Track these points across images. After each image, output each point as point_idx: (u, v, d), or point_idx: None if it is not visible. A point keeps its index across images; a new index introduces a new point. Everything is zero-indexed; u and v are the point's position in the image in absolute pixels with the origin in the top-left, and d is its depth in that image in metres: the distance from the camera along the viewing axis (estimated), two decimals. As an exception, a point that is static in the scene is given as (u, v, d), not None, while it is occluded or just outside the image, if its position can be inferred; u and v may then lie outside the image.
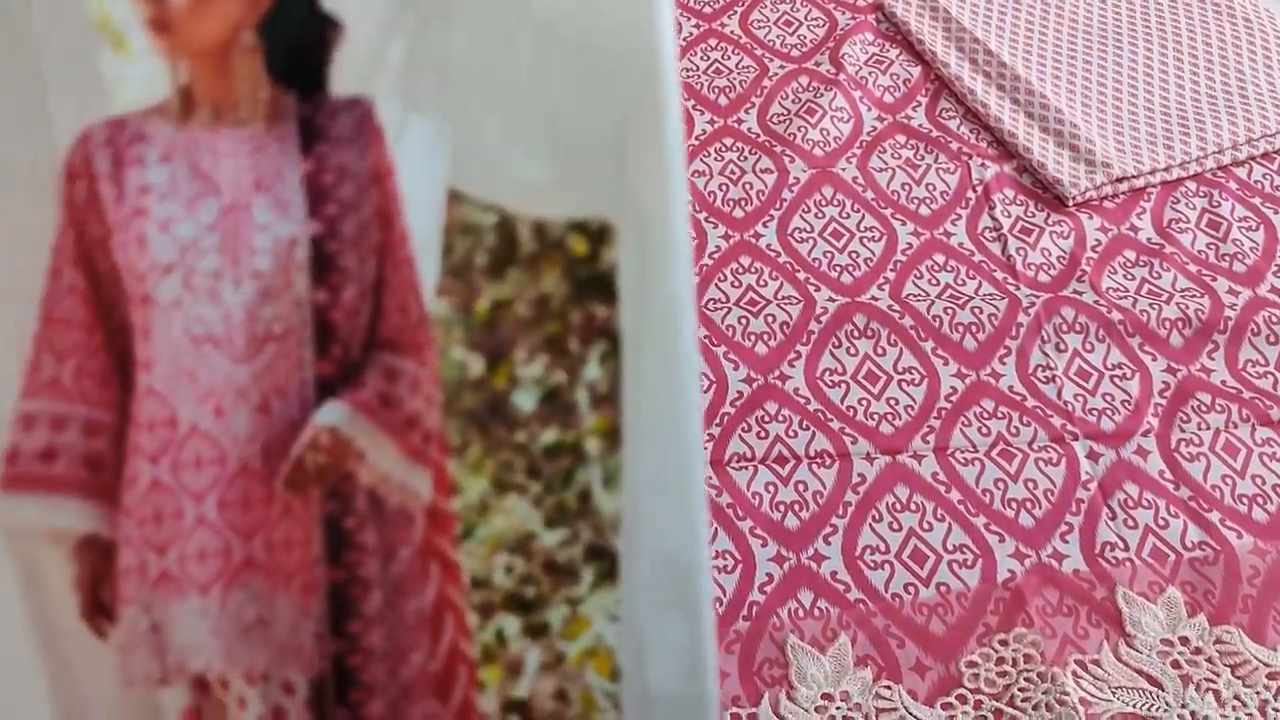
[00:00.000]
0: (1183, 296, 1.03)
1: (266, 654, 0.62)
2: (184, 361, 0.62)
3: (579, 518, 0.67)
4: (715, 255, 1.10)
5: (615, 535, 0.64)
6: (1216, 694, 0.79)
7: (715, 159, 1.19)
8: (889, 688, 0.81)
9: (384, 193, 0.65)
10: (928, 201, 1.13)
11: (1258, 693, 0.79)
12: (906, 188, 1.15)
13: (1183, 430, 0.94)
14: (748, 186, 1.16)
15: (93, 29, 0.65)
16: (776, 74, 1.28)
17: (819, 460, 0.94)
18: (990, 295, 1.04)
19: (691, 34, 1.34)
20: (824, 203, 1.14)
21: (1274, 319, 1.00)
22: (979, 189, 1.14)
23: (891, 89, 1.26)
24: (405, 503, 0.64)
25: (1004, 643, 0.83)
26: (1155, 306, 1.02)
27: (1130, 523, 0.89)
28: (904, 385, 0.98)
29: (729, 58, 1.31)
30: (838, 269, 1.08)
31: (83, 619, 0.66)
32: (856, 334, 1.02)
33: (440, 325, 0.64)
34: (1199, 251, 1.07)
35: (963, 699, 0.80)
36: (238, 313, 0.62)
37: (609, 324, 0.68)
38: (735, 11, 1.37)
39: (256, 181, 0.65)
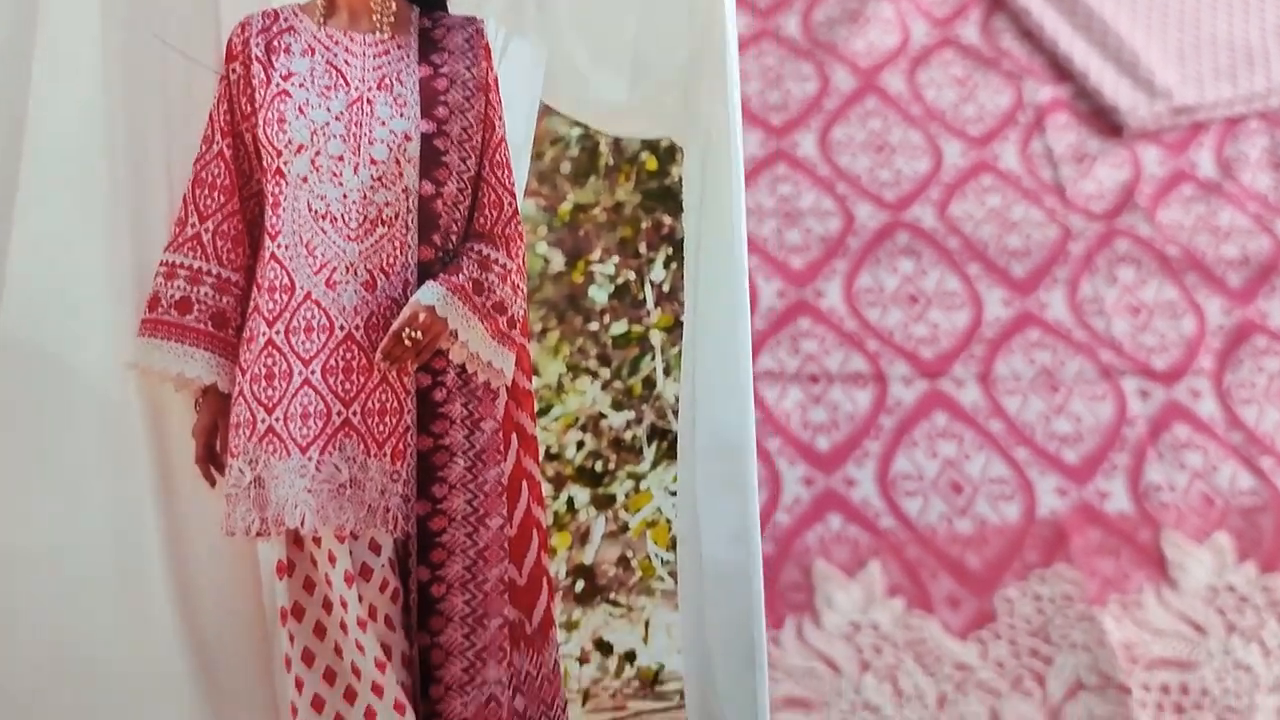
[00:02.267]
0: (1241, 235, 0.98)
1: (356, 513, 0.66)
2: (304, 233, 0.69)
3: (643, 401, 0.76)
4: (750, 163, 1.04)
5: (675, 418, 0.71)
6: (1261, 643, 0.76)
7: (753, 62, 1.13)
8: (921, 619, 0.77)
9: (488, 101, 0.73)
10: (976, 121, 1.07)
11: (1305, 646, 0.76)
12: (955, 106, 1.09)
13: (1236, 373, 0.89)
14: (787, 93, 1.09)
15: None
16: (822, -22, 1.21)
17: (853, 381, 0.89)
18: (1039, 222, 0.99)
19: (733, -68, 1.27)
20: (867, 115, 1.08)
21: (1336, 264, 0.95)
22: (1031, 112, 1.08)
23: (942, 2, 1.19)
24: (491, 380, 0.71)
25: (1043, 580, 0.79)
26: (1212, 244, 0.97)
27: (1179, 465, 0.84)
28: (946, 309, 0.93)
29: (772, -41, 1.24)
30: (879, 184, 1.02)
31: (197, 465, 0.71)
32: (898, 253, 0.97)
33: (528, 223, 0.74)
34: (1260, 191, 1.02)
35: (997, 634, 0.76)
36: (354, 194, 0.69)
37: (674, 231, 0.78)
38: (780, -88, 1.29)
39: (380, 81, 0.72)
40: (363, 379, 0.67)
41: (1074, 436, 0.86)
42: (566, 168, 0.79)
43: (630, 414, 0.74)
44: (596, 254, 0.74)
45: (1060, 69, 1.12)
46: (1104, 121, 1.07)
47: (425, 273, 0.69)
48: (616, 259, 0.76)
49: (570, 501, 0.71)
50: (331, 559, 0.67)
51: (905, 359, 0.90)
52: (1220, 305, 0.94)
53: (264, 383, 0.68)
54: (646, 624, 0.73)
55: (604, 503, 0.73)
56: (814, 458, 0.85)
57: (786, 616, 0.77)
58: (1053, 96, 1.10)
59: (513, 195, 0.74)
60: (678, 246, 0.72)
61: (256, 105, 0.71)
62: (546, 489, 0.68)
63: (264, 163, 0.71)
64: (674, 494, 0.71)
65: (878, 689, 0.74)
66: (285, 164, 0.69)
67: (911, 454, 0.85)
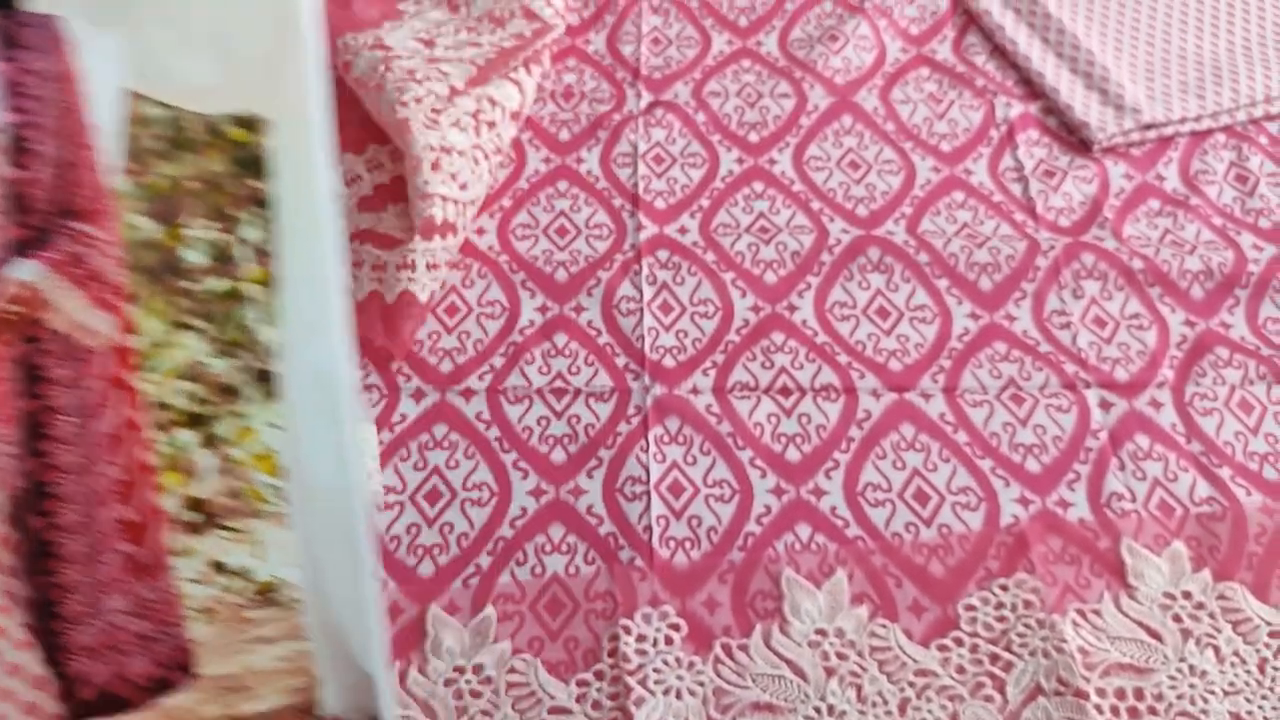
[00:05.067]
0: (1206, 249, 1.00)
1: (-33, 473, 0.73)
2: (-99, 218, 0.75)
3: (244, 348, 0.83)
4: (728, 179, 1.06)
5: (276, 361, 0.78)
6: (1216, 649, 0.78)
7: (733, 81, 1.15)
8: (884, 626, 0.79)
9: (72, 91, 0.76)
10: (949, 137, 1.10)
11: (1258, 650, 0.78)
12: (928, 122, 1.11)
13: (1198, 384, 0.92)
14: (764, 111, 1.12)
15: None
16: (800, -3, 1.24)
17: (824, 394, 0.91)
18: (1009, 236, 1.01)
19: (714, -49, 1.30)
20: (842, 132, 1.10)
21: (1298, 277, 0.97)
22: (1003, 128, 1.10)
23: (918, 20, 1.21)
24: (93, 342, 0.75)
25: (1004, 588, 0.81)
26: (1177, 257, 0.99)
27: (1139, 474, 0.87)
28: (915, 323, 0.96)
29: (752, -22, 1.26)
30: (853, 200, 1.04)
31: None
32: (869, 267, 0.99)
33: (121, 197, 0.80)
34: (1225, 205, 1.04)
35: (959, 641, 0.78)
36: None
37: (263, 194, 0.82)
38: (761, -69, 1.32)
39: None
40: None
41: (1038, 447, 0.88)
42: (156, 145, 0.87)
43: (232, 361, 0.83)
44: (189, 219, 0.83)
45: (1032, 85, 1.14)
46: (1074, 137, 1.10)
47: (21, 252, 0.72)
48: (211, 223, 0.87)
49: (178, 443, 0.81)
50: None
51: (875, 372, 0.92)
52: (1183, 318, 0.96)
53: None
54: (259, 544, 0.79)
55: (211, 441, 0.82)
56: (784, 468, 0.87)
57: (756, 624, 0.79)
58: (1024, 113, 1.12)
59: (104, 174, 0.77)
60: (268, 207, 0.80)
61: None
62: (157, 434, 0.78)
63: None
64: (279, 428, 0.79)
65: (841, 695, 0.76)
66: None
67: (880, 464, 0.87)
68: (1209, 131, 1.10)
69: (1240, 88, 1.11)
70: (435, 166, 0.95)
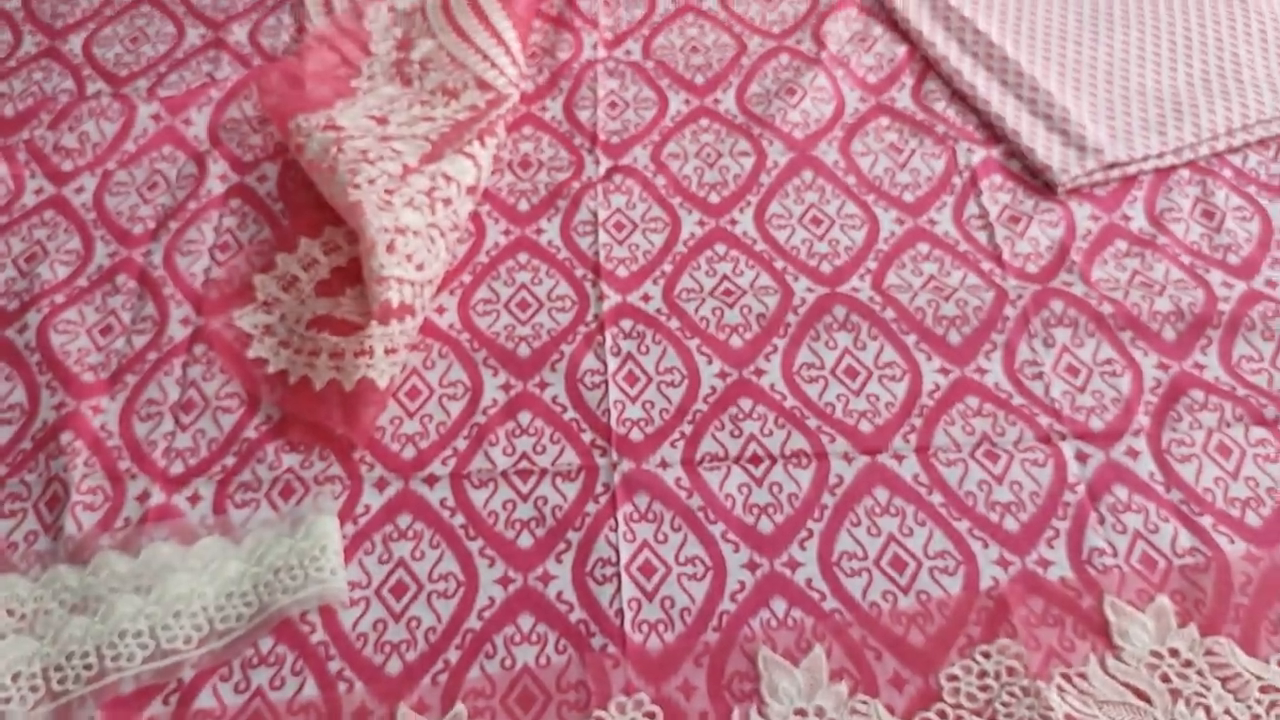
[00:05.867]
0: (1175, 289, 0.99)
1: None
2: None
3: None
4: (690, 242, 1.05)
5: None
6: (1207, 709, 0.75)
7: (691, 141, 1.14)
8: (865, 702, 0.77)
9: None
10: (912, 187, 1.09)
11: (1249, 707, 0.75)
12: (890, 173, 1.10)
13: (1174, 430, 0.90)
14: (724, 170, 1.11)
15: None
16: (756, 52, 1.23)
17: (795, 460, 0.89)
18: (976, 286, 1.00)
19: (669, 9, 1.29)
20: (803, 187, 1.09)
21: (1269, 313, 0.96)
22: (965, 174, 1.09)
23: (875, 69, 1.21)
24: None
25: (986, 655, 0.79)
26: (1147, 299, 0.98)
27: (1119, 527, 0.85)
28: (885, 381, 0.94)
29: (706, 35, 1.26)
30: (817, 257, 1.03)
31: None
32: (836, 326, 0.98)
33: None
34: (1192, 242, 1.03)
35: (943, 714, 0.76)
36: None
37: None
38: (714, -14, 1.31)
39: None
40: None
41: (1015, 504, 0.86)
42: None
43: None
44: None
45: (993, 130, 1.13)
46: (1037, 181, 1.08)
47: None
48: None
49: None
50: None
51: (845, 435, 0.91)
52: (1156, 360, 0.94)
53: None
54: None
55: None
56: (757, 541, 0.85)
57: (734, 707, 0.77)
58: (986, 158, 1.11)
59: None
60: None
61: None
62: None
63: None
64: None
65: (823, 778, 0.74)
66: None
67: (855, 531, 0.86)
68: (1173, 168, 1.09)
69: (1201, 121, 1.11)
70: (390, 249, 0.93)
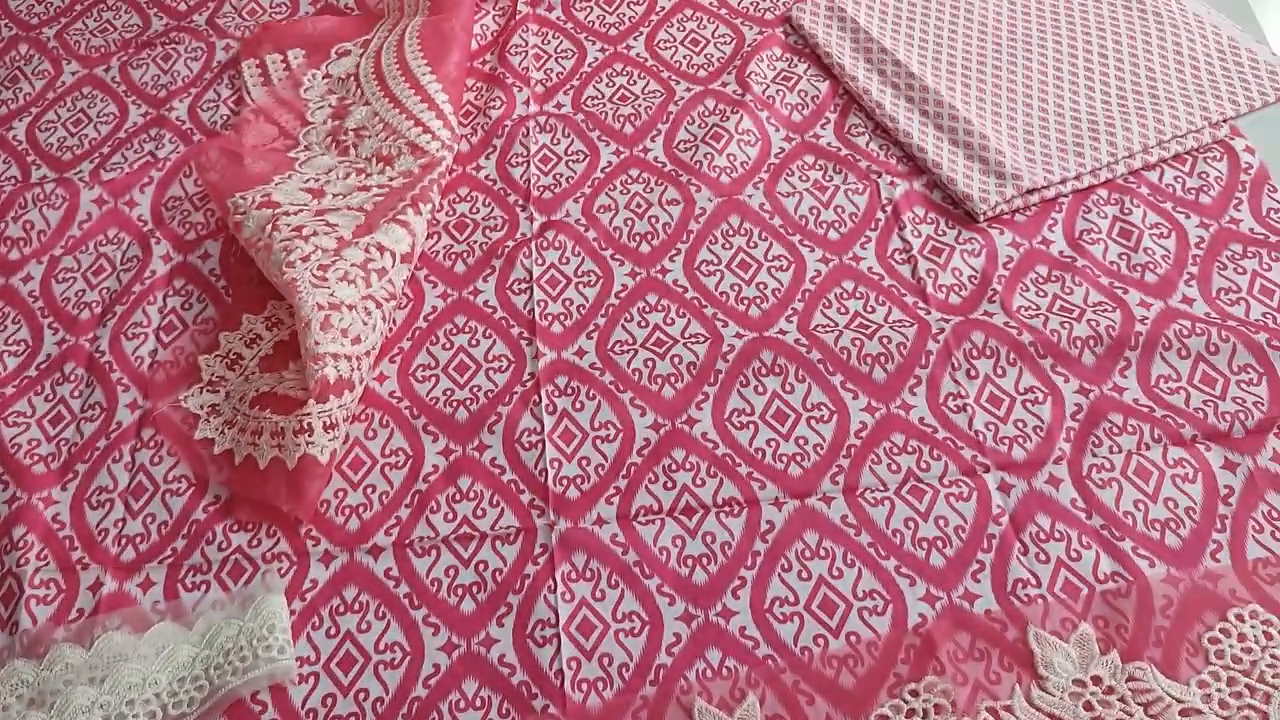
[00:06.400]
0: (1094, 312, 1.01)
1: None
2: None
3: None
4: (621, 294, 1.08)
5: None
6: (1130, 735, 0.78)
7: (621, 192, 1.17)
8: (798, 749, 0.79)
9: None
10: (836, 225, 1.11)
11: (1171, 731, 0.78)
12: (815, 211, 1.12)
13: (1095, 455, 0.92)
14: (654, 220, 1.13)
15: None
16: (683, 97, 1.26)
17: (727, 509, 0.92)
18: (899, 322, 1.02)
19: (597, 59, 1.32)
20: (731, 232, 1.11)
21: (1184, 331, 0.98)
22: (888, 209, 1.12)
23: (800, 106, 1.23)
24: None
25: (915, 693, 0.81)
26: (1066, 325, 1.00)
27: (1042, 557, 0.87)
28: (813, 423, 0.96)
29: (635, 83, 1.28)
30: (745, 302, 1.05)
31: None
32: (764, 371, 1.00)
33: None
34: (1110, 263, 1.05)
35: (873, 756, 0.79)
36: None
37: None
38: (641, 32, 1.34)
39: None
40: None
41: (941, 539, 0.89)
42: None
43: None
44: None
45: (915, 161, 1.16)
46: (959, 210, 1.11)
47: None
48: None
49: None
50: None
51: (774, 480, 0.93)
52: (1076, 386, 0.96)
53: None
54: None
55: None
56: (692, 593, 0.88)
57: (671, 760, 0.80)
58: (908, 190, 1.13)
59: None
60: None
61: None
62: None
63: None
64: None
65: (757, 828, 0.76)
66: None
67: (786, 576, 0.88)
68: (1091, 188, 1.11)
69: (1118, 140, 1.13)
70: (325, 325, 0.96)
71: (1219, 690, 0.79)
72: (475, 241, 1.14)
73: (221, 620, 0.88)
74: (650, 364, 1.02)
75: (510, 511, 0.93)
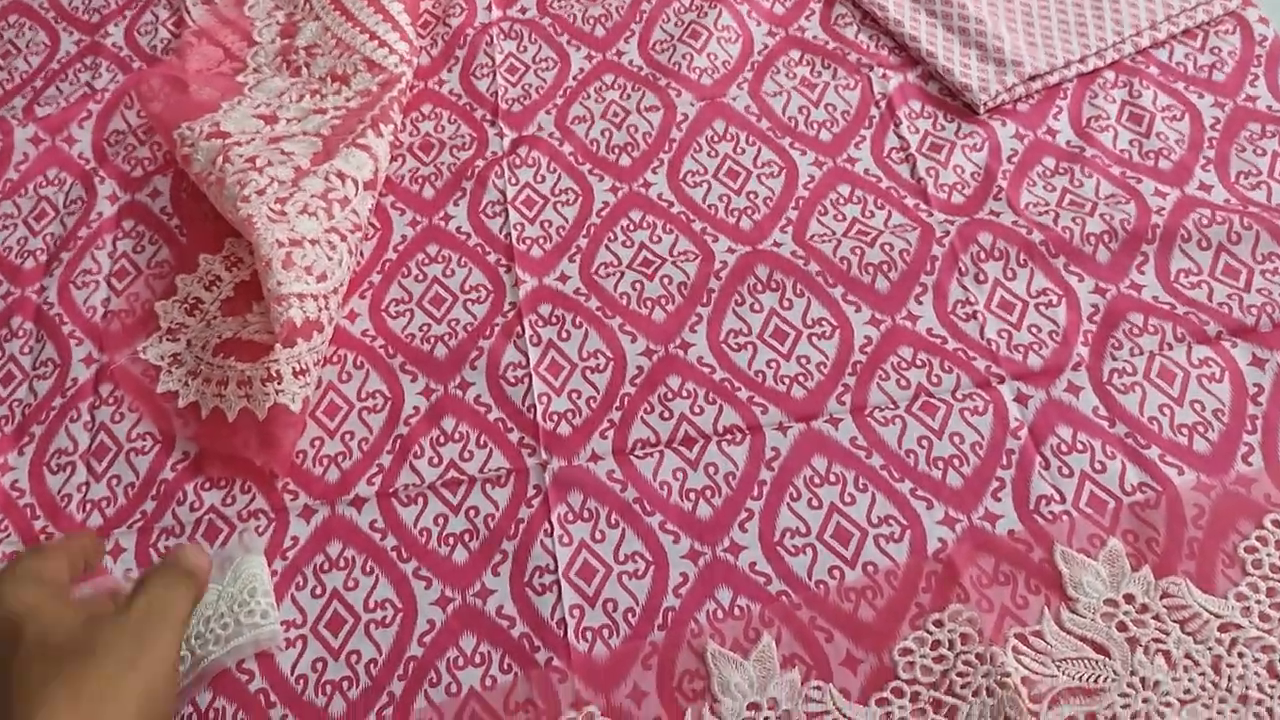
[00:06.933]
0: (1107, 205, 0.95)
1: None
2: None
3: None
4: (603, 212, 1.01)
5: None
6: (1167, 655, 0.74)
7: (596, 101, 1.09)
8: (819, 688, 0.75)
9: None
10: (828, 125, 1.04)
11: (1209, 648, 0.74)
12: (804, 111, 1.05)
13: (1115, 359, 0.87)
14: (633, 129, 1.06)
15: None
16: (656, -6, 1.17)
17: (728, 437, 0.86)
18: (901, 226, 0.96)
19: (561, -43, 1.22)
20: (716, 138, 1.04)
21: (1204, 221, 0.92)
22: (882, 104, 1.05)
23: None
24: None
25: (939, 623, 0.77)
26: (1078, 221, 0.94)
27: (1065, 470, 0.82)
28: (815, 340, 0.91)
29: (603, -19, 1.19)
30: (736, 213, 0.99)
31: None
32: (760, 287, 0.94)
33: None
34: (1121, 150, 0.99)
35: (899, 692, 0.74)
36: None
37: None
38: (607, -74, 1.24)
39: None
40: None
41: (957, 458, 0.84)
42: None
43: None
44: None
45: (908, 52, 1.08)
46: (958, 102, 1.04)
47: None
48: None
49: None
50: None
51: (777, 403, 0.87)
52: (1091, 285, 0.91)
53: None
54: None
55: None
56: (697, 528, 0.83)
57: (686, 708, 0.75)
58: (902, 83, 1.06)
59: None
60: None
61: None
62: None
63: None
64: None
65: (781, 774, 0.72)
66: None
67: (795, 505, 0.83)
68: (1097, 71, 1.04)
69: (1124, 17, 1.06)
70: (287, 263, 0.89)
71: (1259, 602, 0.75)
72: (443, 163, 1.06)
73: (199, 586, 0.83)
74: (638, 286, 0.95)
75: (499, 452, 0.87)
